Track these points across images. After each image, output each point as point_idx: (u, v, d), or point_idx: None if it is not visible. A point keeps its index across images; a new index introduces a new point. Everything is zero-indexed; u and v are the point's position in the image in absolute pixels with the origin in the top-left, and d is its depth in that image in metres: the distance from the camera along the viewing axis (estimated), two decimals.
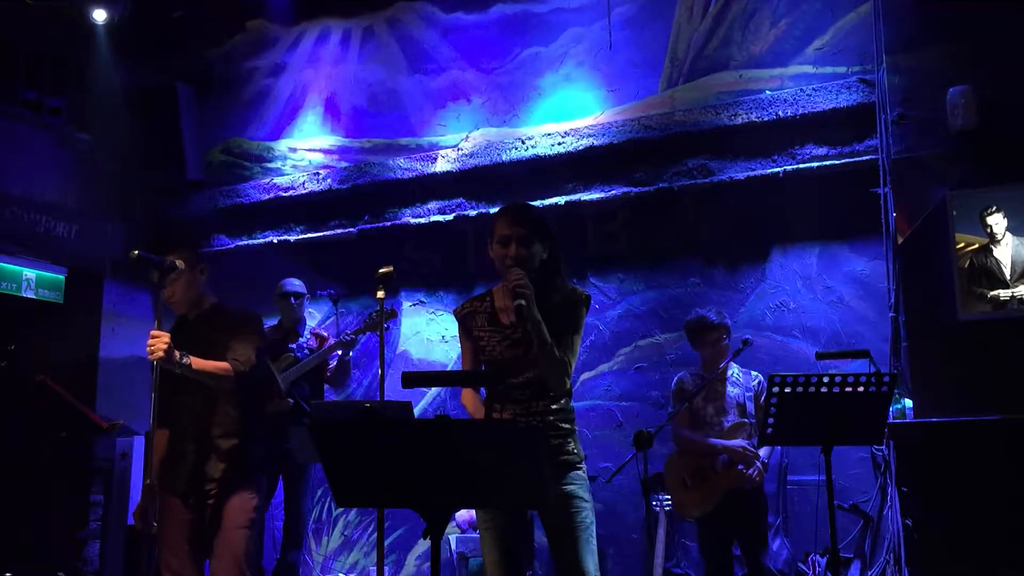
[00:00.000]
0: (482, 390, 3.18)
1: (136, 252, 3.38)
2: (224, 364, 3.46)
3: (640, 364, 5.71)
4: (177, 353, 3.32)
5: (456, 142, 6.35)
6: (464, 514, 5.48)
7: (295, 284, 5.65)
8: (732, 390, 4.50)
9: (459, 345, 3.20)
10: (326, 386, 5.60)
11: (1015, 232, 4.36)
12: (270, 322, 5.34)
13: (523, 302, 2.82)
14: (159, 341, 3.28)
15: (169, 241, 3.60)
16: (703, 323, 4.52)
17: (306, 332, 5.61)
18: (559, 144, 5.94)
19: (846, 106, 5.22)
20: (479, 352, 3.08)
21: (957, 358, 4.39)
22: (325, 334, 5.56)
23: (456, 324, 3.16)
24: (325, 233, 6.62)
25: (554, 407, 2.97)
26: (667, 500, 5.11)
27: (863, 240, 5.20)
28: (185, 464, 3.48)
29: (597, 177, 5.89)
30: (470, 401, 3.24)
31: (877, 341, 4.90)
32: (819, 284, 5.35)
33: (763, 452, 4.37)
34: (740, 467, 4.31)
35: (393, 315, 5.27)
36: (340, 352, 5.45)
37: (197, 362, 3.38)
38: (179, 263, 3.48)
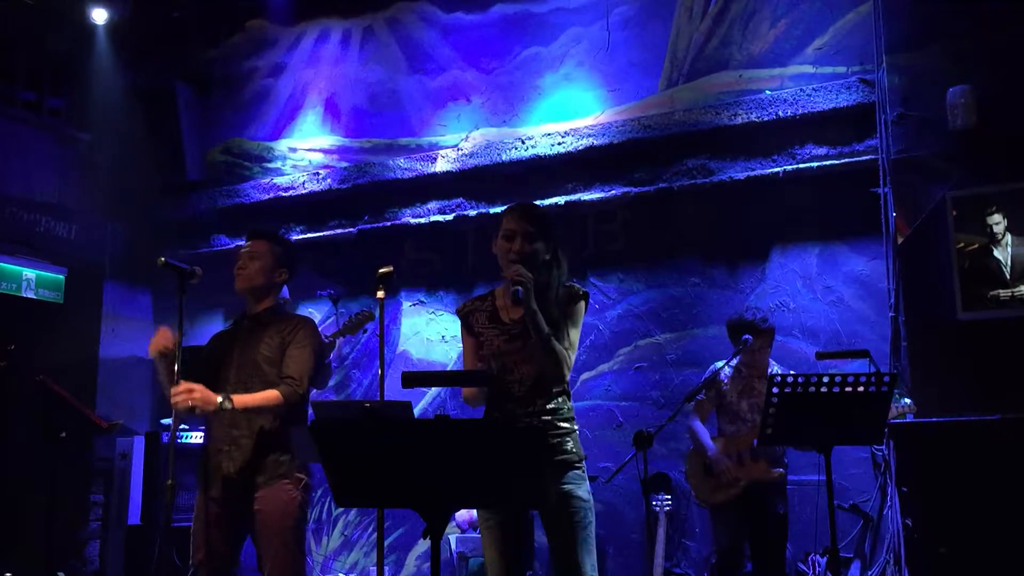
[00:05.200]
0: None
1: (163, 259, 3.40)
2: (273, 394, 3.40)
3: (640, 364, 5.70)
4: (216, 398, 3.28)
5: (456, 142, 6.34)
6: (464, 514, 5.48)
7: None
8: None
9: (459, 345, 3.21)
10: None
11: (1015, 232, 4.36)
12: None
13: (521, 288, 2.84)
14: (186, 395, 3.23)
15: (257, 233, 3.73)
16: (747, 326, 4.44)
17: None
18: (559, 144, 5.94)
19: (846, 106, 5.22)
20: (479, 348, 3.09)
21: (957, 358, 4.39)
22: None
23: (458, 323, 3.17)
24: (325, 233, 6.62)
25: (552, 406, 2.97)
26: (667, 500, 5.11)
27: (863, 240, 5.19)
28: (220, 465, 3.44)
29: (597, 177, 5.89)
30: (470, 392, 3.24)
31: (877, 341, 4.90)
32: (819, 284, 5.35)
33: None
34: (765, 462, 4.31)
35: (371, 318, 5.22)
36: None
37: (240, 399, 3.34)
38: (199, 270, 3.50)
